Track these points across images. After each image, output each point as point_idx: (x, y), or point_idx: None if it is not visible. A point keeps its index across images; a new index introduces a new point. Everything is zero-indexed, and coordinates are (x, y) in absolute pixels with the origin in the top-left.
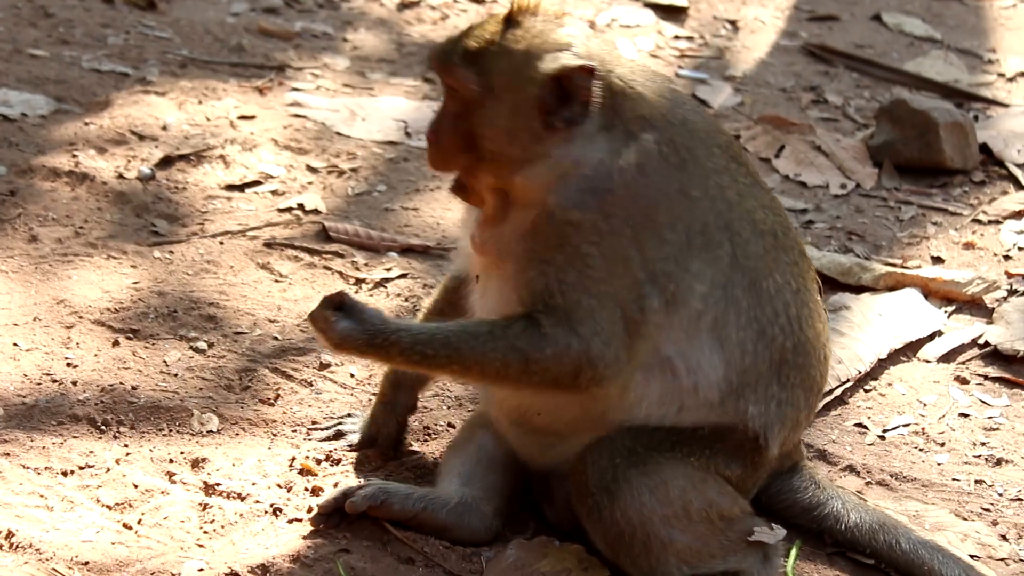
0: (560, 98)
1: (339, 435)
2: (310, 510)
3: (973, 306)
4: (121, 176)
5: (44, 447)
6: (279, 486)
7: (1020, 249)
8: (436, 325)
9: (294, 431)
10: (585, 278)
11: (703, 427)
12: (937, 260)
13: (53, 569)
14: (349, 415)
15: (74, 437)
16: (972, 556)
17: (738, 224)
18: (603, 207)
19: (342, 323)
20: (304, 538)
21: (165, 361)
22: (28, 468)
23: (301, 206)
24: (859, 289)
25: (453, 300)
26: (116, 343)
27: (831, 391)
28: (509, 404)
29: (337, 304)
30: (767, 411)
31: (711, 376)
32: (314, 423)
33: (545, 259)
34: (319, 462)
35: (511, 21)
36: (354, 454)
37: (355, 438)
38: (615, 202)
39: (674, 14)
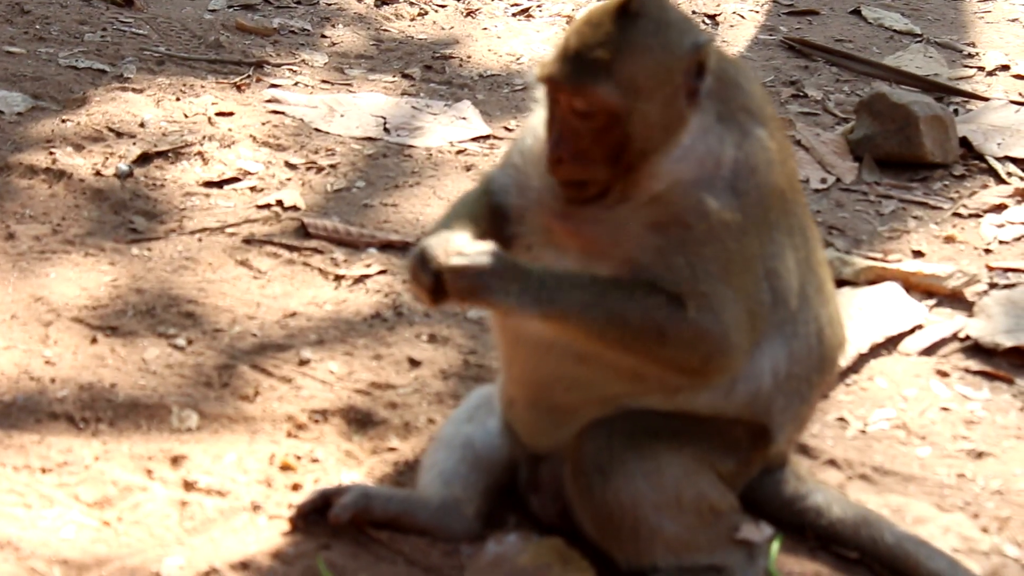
0: (699, 73)
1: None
2: (290, 506)
3: (954, 300)
4: (99, 173)
5: (22, 445)
6: (259, 483)
7: (1001, 243)
8: (566, 272)
9: (274, 428)
10: (727, 272)
11: (717, 418)
12: (918, 254)
13: (32, 567)
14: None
15: (52, 434)
16: (954, 549)
17: (807, 225)
18: (743, 208)
19: (460, 261)
20: (285, 535)
21: (144, 358)
22: (6, 466)
23: (280, 202)
24: (840, 283)
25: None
26: (94, 340)
27: None
28: (537, 377)
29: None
30: (788, 408)
31: (766, 370)
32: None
33: (689, 250)
34: (299, 458)
35: (629, 15)
36: (333, 456)
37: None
38: (749, 203)
39: None
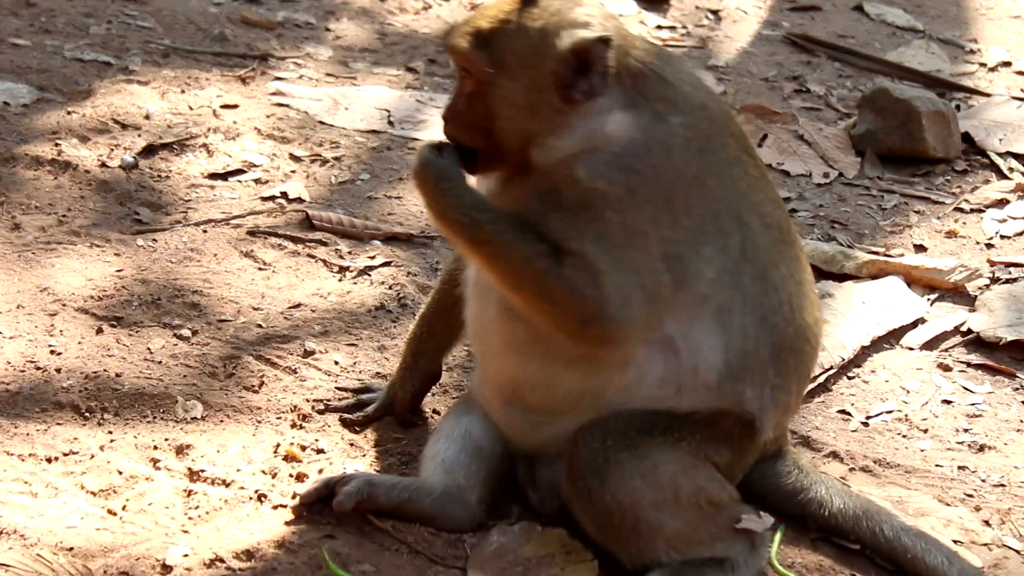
0: (578, 71)
1: (359, 405)
2: (294, 496)
3: (955, 294)
4: (104, 165)
5: (28, 434)
6: (264, 472)
7: (1002, 237)
8: (491, 203)
9: (279, 418)
10: (605, 239)
11: (698, 411)
12: (920, 248)
13: (38, 555)
14: (367, 387)
15: (58, 424)
16: (955, 541)
17: (748, 216)
18: (630, 183)
19: (434, 155)
20: (289, 524)
21: (149, 348)
22: (12, 455)
23: (284, 195)
24: (842, 277)
25: (450, 297)
26: (100, 331)
27: (815, 378)
28: (504, 380)
29: (437, 146)
30: (762, 395)
31: (711, 359)
32: (328, 400)
33: (568, 211)
34: (304, 448)
35: (527, 1)
36: (337, 446)
37: (375, 406)
38: (642, 181)
39: (656, 4)
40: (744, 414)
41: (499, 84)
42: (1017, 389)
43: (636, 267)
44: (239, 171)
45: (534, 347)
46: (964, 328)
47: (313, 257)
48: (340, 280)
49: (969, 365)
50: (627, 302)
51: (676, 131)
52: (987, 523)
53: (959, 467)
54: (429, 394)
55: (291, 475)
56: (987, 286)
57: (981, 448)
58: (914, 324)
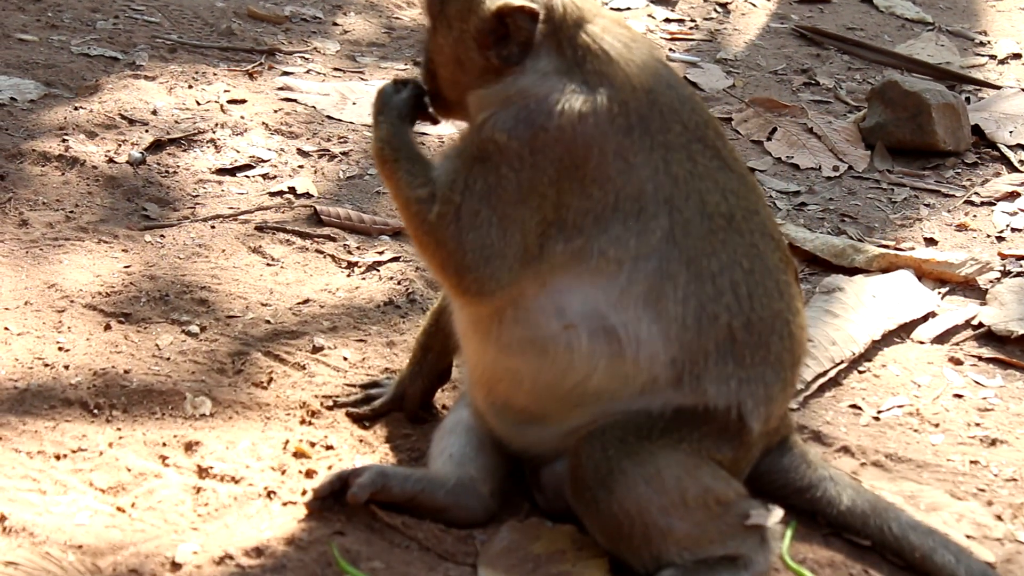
0: (502, 36)
1: (368, 399)
2: (304, 493)
3: (966, 287)
4: (111, 160)
5: (36, 431)
6: (273, 469)
7: (1013, 230)
8: (410, 145)
9: (288, 414)
10: (493, 195)
11: (683, 411)
12: (930, 242)
13: (47, 552)
14: (375, 382)
15: (67, 421)
16: (967, 536)
17: (681, 201)
18: (532, 140)
19: (390, 91)
20: (298, 521)
21: (157, 345)
22: (20, 452)
23: (292, 190)
24: (852, 271)
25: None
26: (108, 327)
27: (825, 372)
28: (478, 371)
29: (402, 82)
30: (728, 390)
31: (652, 349)
32: (336, 396)
33: (463, 160)
34: (313, 445)
35: None
36: (346, 442)
37: (383, 401)
38: (546, 139)
39: None
40: (721, 410)
41: (438, 31)
42: None
43: (522, 225)
44: (247, 166)
45: (488, 328)
46: (975, 322)
47: (321, 252)
48: (349, 276)
49: (980, 359)
50: (492, 256)
51: (600, 103)
52: (999, 517)
53: (971, 461)
54: (439, 390)
55: (301, 471)
56: (998, 279)
57: (993, 442)
58: (925, 318)
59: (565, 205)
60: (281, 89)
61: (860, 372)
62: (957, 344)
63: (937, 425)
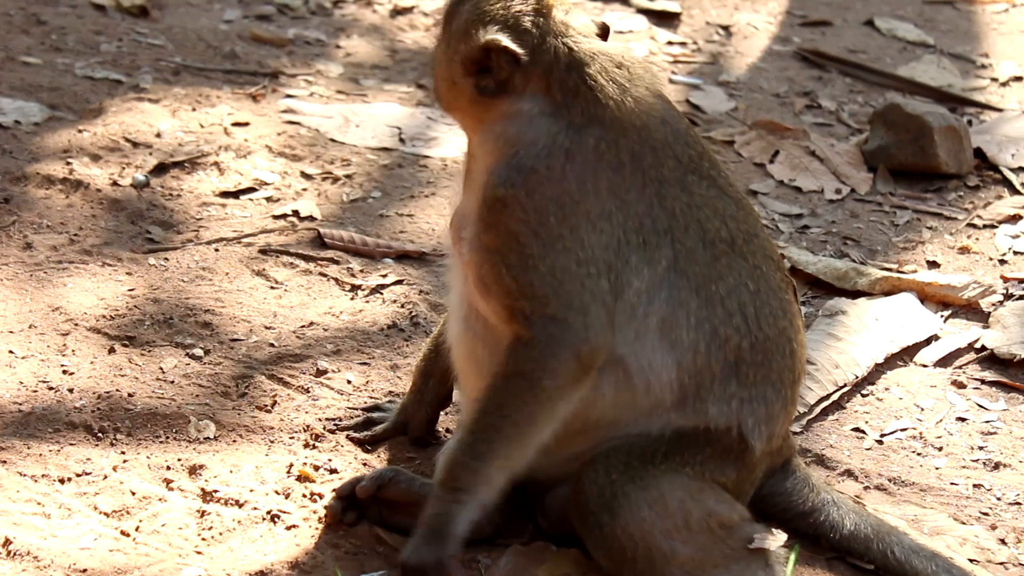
0: (484, 68)
1: (369, 424)
2: (306, 520)
3: (969, 310)
4: (115, 183)
5: (41, 454)
6: (277, 493)
7: (1016, 253)
8: (454, 452)
9: (292, 438)
10: (526, 258)
11: (684, 433)
12: (933, 264)
13: None
14: (377, 406)
15: (71, 444)
16: (971, 560)
17: (681, 233)
18: (527, 183)
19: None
20: (303, 545)
21: (161, 368)
22: (25, 475)
23: (296, 213)
24: (855, 294)
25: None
26: (112, 350)
27: (828, 396)
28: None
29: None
30: (730, 410)
31: (663, 377)
32: (339, 419)
33: (490, 247)
34: (317, 468)
35: None
36: (350, 466)
37: (384, 427)
38: (539, 180)
39: (667, 19)
40: (723, 431)
41: (440, 44)
42: None
43: (569, 272)
44: (250, 189)
45: (491, 365)
46: (978, 345)
47: (325, 275)
48: (352, 299)
49: (983, 382)
50: (583, 306)
51: (587, 143)
52: (1003, 541)
53: (974, 485)
54: (443, 413)
55: (305, 495)
56: (1001, 302)
57: (996, 466)
58: (928, 341)
59: (586, 243)
60: (284, 112)
61: (863, 395)
62: (960, 367)
63: (940, 449)
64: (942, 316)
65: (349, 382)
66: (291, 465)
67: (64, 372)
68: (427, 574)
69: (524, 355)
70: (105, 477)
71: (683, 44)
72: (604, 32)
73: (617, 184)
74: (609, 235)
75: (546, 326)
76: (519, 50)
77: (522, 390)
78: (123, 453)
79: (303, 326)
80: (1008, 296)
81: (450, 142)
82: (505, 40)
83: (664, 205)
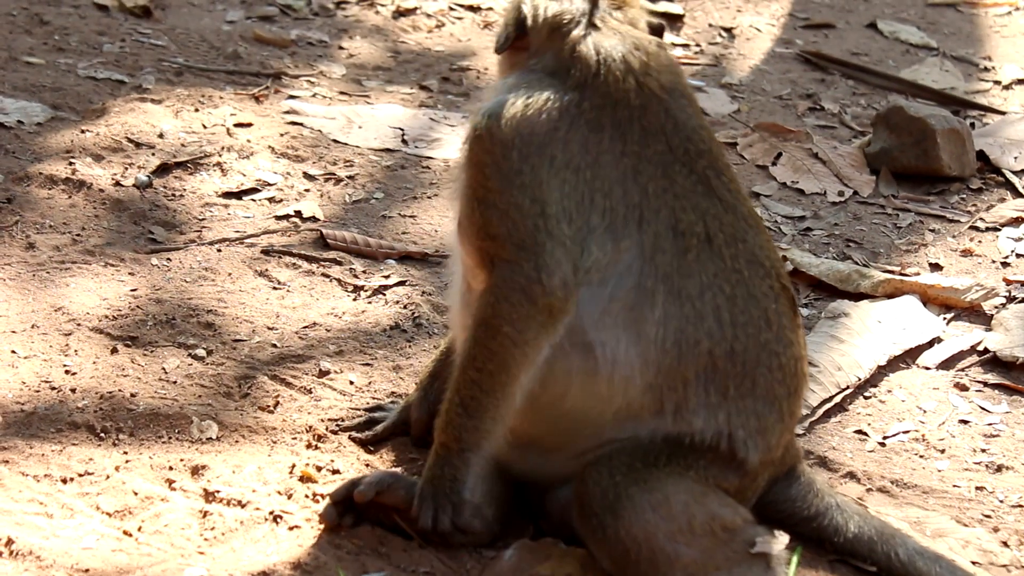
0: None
1: (371, 423)
2: (308, 520)
3: (972, 313)
4: (118, 184)
5: (43, 454)
6: (279, 493)
7: (1018, 256)
8: (445, 412)
9: (294, 438)
10: (488, 191)
11: (671, 439)
12: (935, 267)
13: None
14: (379, 406)
15: (73, 444)
16: (973, 563)
17: (651, 215)
18: (498, 121)
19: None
20: (305, 545)
21: (164, 368)
22: (27, 475)
23: (299, 213)
24: (858, 296)
25: None
26: (114, 350)
27: (831, 398)
28: None
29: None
30: (715, 421)
31: (627, 371)
32: (341, 419)
33: (463, 187)
34: (319, 469)
35: None
36: (353, 466)
37: (385, 425)
38: (511, 115)
39: (670, 22)
40: (709, 441)
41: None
42: None
43: (529, 219)
44: (253, 190)
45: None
46: (981, 347)
47: (327, 276)
48: (355, 299)
49: (986, 385)
50: (540, 256)
51: (571, 99)
52: (1005, 544)
53: (977, 487)
54: None
55: (307, 496)
56: (1003, 305)
57: (999, 468)
58: (930, 343)
59: (545, 193)
60: (287, 113)
61: (866, 398)
62: (962, 370)
63: (943, 451)
64: (944, 318)
65: (351, 383)
66: (293, 465)
67: (66, 372)
68: (445, 535)
69: (484, 302)
70: (107, 477)
71: (685, 46)
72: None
73: (592, 143)
74: (572, 186)
75: (501, 269)
76: (526, 11)
77: (487, 339)
78: (125, 453)
79: (306, 327)
80: (1011, 299)
81: (452, 143)
82: (526, 9)
83: (638, 181)
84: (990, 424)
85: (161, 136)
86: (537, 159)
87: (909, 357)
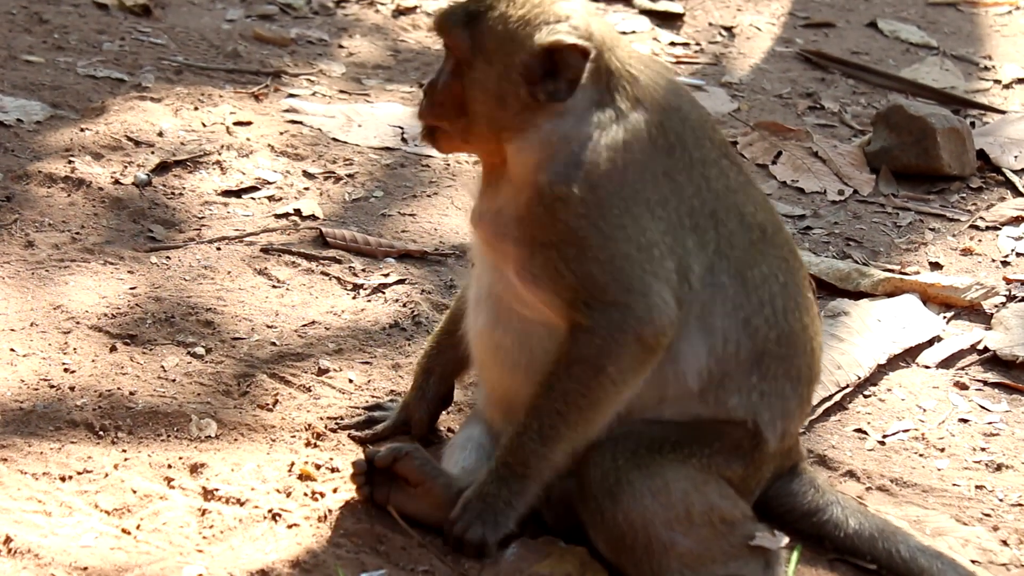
0: (549, 72)
1: (370, 422)
2: (307, 518)
3: (972, 312)
4: (117, 182)
5: (42, 452)
6: (278, 491)
7: (1018, 255)
8: (519, 436)
9: (293, 437)
10: (585, 250)
11: (698, 423)
12: (935, 266)
13: (52, 574)
14: (379, 405)
15: (72, 442)
16: (973, 561)
17: (724, 214)
18: (588, 178)
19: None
20: (304, 544)
21: (163, 367)
22: (26, 473)
23: (298, 212)
24: (858, 295)
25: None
26: (113, 348)
27: (830, 396)
28: (497, 394)
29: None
30: (748, 402)
31: (693, 364)
32: (340, 417)
33: (544, 242)
34: (318, 467)
35: None
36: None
37: (386, 425)
38: (601, 175)
39: (670, 21)
40: (738, 423)
41: (476, 67)
42: None
43: (630, 257)
44: (252, 188)
45: (519, 357)
46: (980, 346)
47: (327, 275)
48: (354, 298)
49: (986, 383)
50: (644, 287)
51: (639, 127)
52: (1005, 543)
53: (976, 486)
54: (444, 412)
55: (306, 494)
56: (1003, 304)
57: (999, 467)
58: (930, 342)
59: (647, 229)
60: (287, 111)
61: (865, 396)
62: (962, 369)
63: (942, 450)
64: (944, 317)
65: (351, 381)
66: (292, 464)
67: (65, 370)
68: (481, 552)
69: (585, 342)
70: (106, 475)
71: (686, 45)
72: None
73: (670, 167)
74: (667, 221)
75: (606, 311)
76: (587, 44)
77: (586, 377)
78: (124, 451)
79: (305, 325)
80: (1011, 298)
81: None
82: (569, 38)
83: (710, 186)
84: (990, 423)
85: (160, 134)
86: (636, 207)
87: (909, 356)
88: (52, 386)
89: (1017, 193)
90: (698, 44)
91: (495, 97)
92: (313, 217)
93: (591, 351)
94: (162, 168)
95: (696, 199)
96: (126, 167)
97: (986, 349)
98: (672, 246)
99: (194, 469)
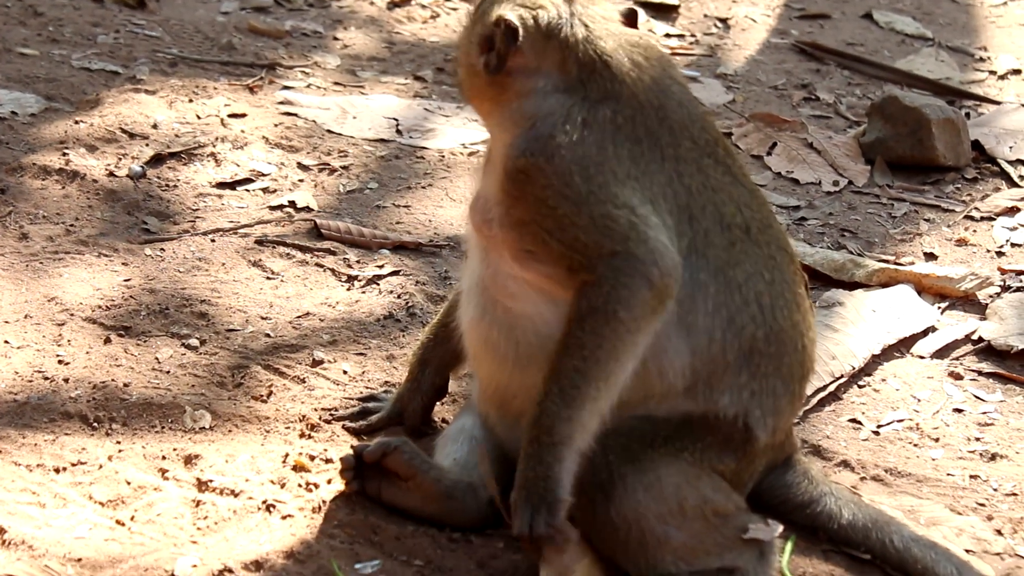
0: (491, 46)
1: (365, 413)
2: (301, 509)
3: (966, 302)
4: (112, 174)
5: (36, 444)
6: (272, 482)
7: (1013, 245)
8: (543, 405)
9: (287, 428)
10: (562, 219)
11: (689, 419)
12: (930, 256)
13: (46, 566)
14: (373, 397)
15: (66, 434)
16: (967, 551)
17: (698, 211)
18: (545, 150)
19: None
20: (298, 534)
21: (157, 358)
22: (20, 465)
23: (293, 204)
24: (852, 285)
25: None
26: (108, 340)
27: (825, 387)
28: (490, 386)
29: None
30: (738, 400)
31: (675, 363)
32: (335, 408)
33: (523, 219)
34: (312, 458)
35: None
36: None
37: (380, 416)
38: (557, 144)
39: (665, 12)
40: (728, 420)
41: (464, 36)
42: None
43: (618, 217)
44: (247, 180)
45: (506, 349)
46: (975, 336)
47: (321, 266)
48: (348, 289)
49: (980, 374)
50: (643, 231)
51: (604, 115)
52: (999, 532)
53: (971, 476)
54: (438, 403)
55: (300, 485)
56: (998, 294)
57: (993, 457)
58: (925, 332)
59: (615, 194)
60: (281, 103)
61: (860, 386)
62: (957, 359)
63: (937, 440)
64: (939, 308)
65: (345, 372)
66: (287, 455)
67: (60, 362)
68: (553, 540)
69: (595, 293)
70: (100, 467)
71: (681, 37)
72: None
73: (637, 155)
74: (640, 194)
75: (610, 262)
76: (516, 23)
77: (599, 326)
78: (118, 443)
79: (299, 316)
80: (1005, 288)
81: (447, 134)
82: (509, 14)
83: (683, 182)
84: (984, 413)
85: (155, 127)
86: (601, 176)
87: (903, 346)
88: (46, 378)
89: (1012, 184)
90: (693, 36)
91: (467, 65)
92: (308, 209)
93: (600, 299)
94: (156, 160)
95: (668, 188)
96: (120, 159)
97: (980, 339)
98: (653, 211)
99: (188, 460)
